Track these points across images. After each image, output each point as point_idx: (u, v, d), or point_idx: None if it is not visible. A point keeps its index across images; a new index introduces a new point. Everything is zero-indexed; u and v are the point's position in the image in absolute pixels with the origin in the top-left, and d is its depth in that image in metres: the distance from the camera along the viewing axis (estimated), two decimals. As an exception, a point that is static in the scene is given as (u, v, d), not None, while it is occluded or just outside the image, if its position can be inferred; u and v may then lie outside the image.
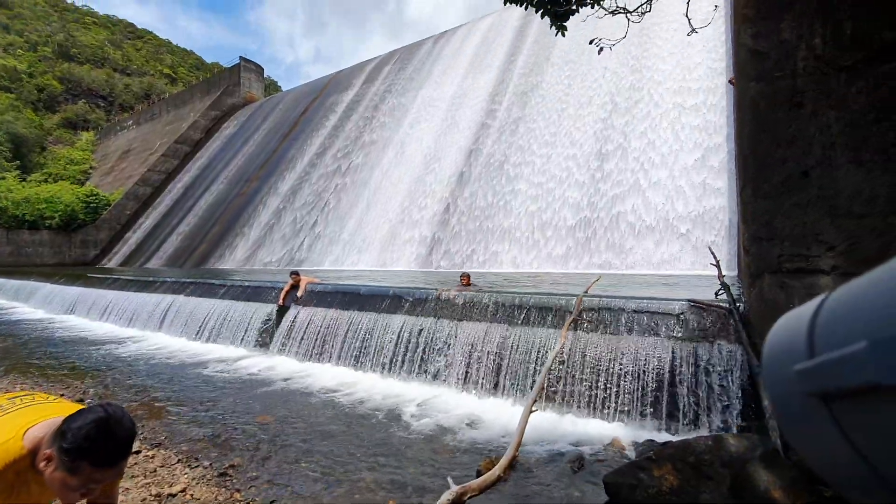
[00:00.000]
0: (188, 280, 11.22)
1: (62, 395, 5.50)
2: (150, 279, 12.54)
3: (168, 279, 11.89)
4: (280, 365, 6.99)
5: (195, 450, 4.00)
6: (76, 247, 33.00)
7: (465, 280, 7.11)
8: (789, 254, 3.50)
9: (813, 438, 0.36)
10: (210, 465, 3.70)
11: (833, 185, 3.28)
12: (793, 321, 0.39)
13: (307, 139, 27.73)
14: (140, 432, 4.35)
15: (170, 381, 6.28)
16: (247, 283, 9.62)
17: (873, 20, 3.05)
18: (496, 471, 3.16)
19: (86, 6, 79.70)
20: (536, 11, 3.61)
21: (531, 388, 4.84)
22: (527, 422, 3.70)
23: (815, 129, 3.36)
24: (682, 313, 4.58)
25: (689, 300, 4.69)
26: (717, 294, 4.78)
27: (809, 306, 0.38)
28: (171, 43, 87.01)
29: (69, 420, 1.32)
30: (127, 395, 5.61)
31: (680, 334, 4.45)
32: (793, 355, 0.37)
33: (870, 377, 0.29)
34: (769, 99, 3.57)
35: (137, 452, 3.86)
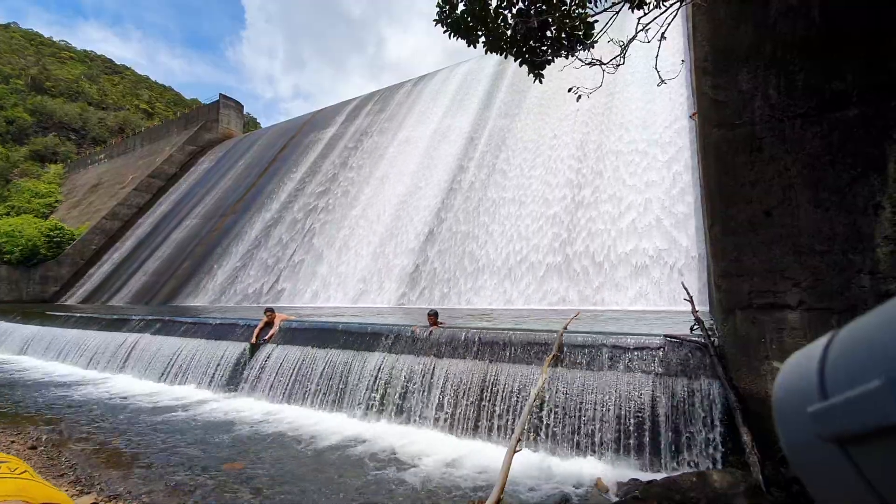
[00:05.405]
0: (154, 318, 10.76)
1: (12, 443, 5.08)
2: (113, 317, 11.97)
3: (132, 317, 11.38)
4: (252, 407, 6.67)
5: (157, 501, 3.72)
6: (35, 283, 31.36)
7: (432, 319, 6.52)
8: (759, 289, 3.64)
9: (831, 484, 0.34)
10: (173, 517, 3.44)
11: (795, 224, 3.48)
12: (802, 361, 0.37)
13: (285, 175, 27.72)
14: (97, 482, 4.03)
15: (131, 426, 5.89)
16: (217, 321, 9.29)
17: (822, 72, 3.34)
18: (480, 515, 3.04)
19: (63, 41, 79.67)
20: (515, 60, 3.82)
21: (513, 426, 4.75)
22: (511, 462, 3.61)
23: (774, 171, 3.59)
24: (660, 348, 4.65)
25: (665, 335, 4.77)
26: (691, 329, 4.88)
27: (818, 345, 0.36)
28: (149, 79, 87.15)
29: None
30: (83, 442, 5.22)
31: (659, 370, 4.49)
32: (804, 397, 0.35)
33: (887, 417, 0.28)
34: (730, 144, 3.81)
35: (93, 505, 3.56)
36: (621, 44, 3.87)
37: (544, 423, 4.69)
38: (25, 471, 0.98)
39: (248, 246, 22.97)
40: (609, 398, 4.48)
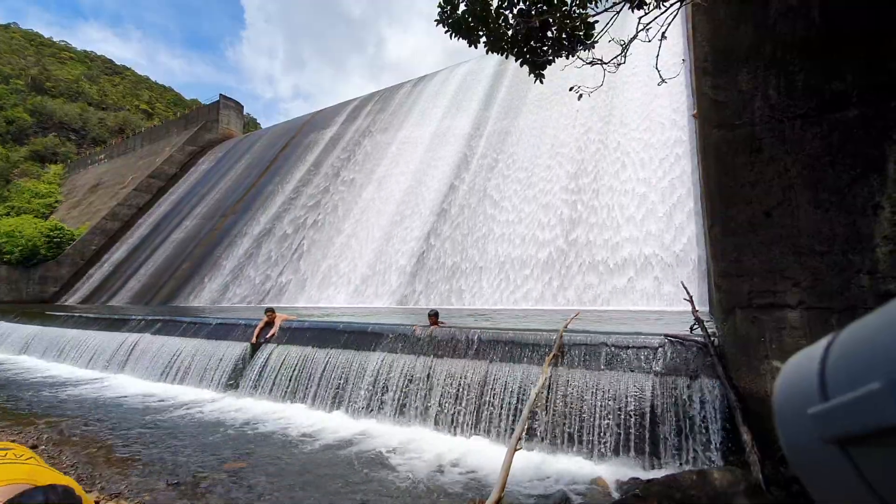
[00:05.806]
0: (154, 317, 10.76)
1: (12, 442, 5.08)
2: (113, 317, 11.97)
3: (132, 317, 11.38)
4: (252, 407, 6.67)
5: (158, 500, 3.73)
6: (34, 283, 31.34)
7: (433, 319, 6.51)
8: (758, 290, 3.65)
9: (831, 485, 0.34)
10: (174, 516, 3.45)
11: (794, 224, 3.49)
12: (803, 362, 0.37)
13: (286, 175, 27.72)
14: (98, 481, 4.04)
15: (131, 426, 5.90)
16: (217, 321, 9.29)
17: (822, 73, 3.35)
18: (481, 514, 3.05)
19: (63, 41, 79.68)
20: (517, 60, 3.84)
21: (513, 425, 4.76)
22: (511, 462, 3.61)
23: (773, 172, 3.60)
24: (660, 347, 4.66)
25: (664, 335, 4.78)
26: (691, 329, 4.89)
27: (818, 346, 0.37)
28: (149, 79, 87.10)
29: None
30: (84, 441, 5.22)
31: (659, 369, 4.50)
32: (805, 399, 0.35)
33: (887, 418, 0.28)
34: (730, 144, 3.82)
35: (94, 504, 3.57)
36: (622, 43, 3.89)
37: (544, 421, 4.70)
38: (31, 457, 1.01)
39: (248, 246, 22.95)
40: (609, 397, 4.49)
